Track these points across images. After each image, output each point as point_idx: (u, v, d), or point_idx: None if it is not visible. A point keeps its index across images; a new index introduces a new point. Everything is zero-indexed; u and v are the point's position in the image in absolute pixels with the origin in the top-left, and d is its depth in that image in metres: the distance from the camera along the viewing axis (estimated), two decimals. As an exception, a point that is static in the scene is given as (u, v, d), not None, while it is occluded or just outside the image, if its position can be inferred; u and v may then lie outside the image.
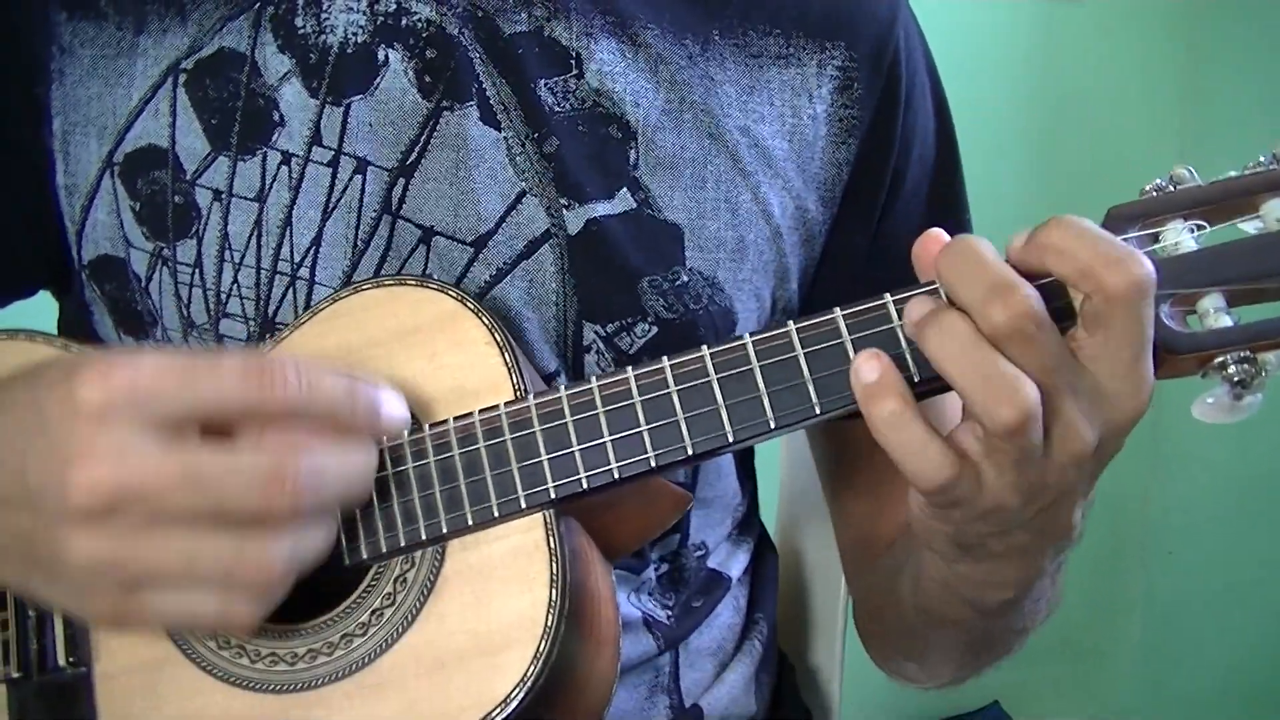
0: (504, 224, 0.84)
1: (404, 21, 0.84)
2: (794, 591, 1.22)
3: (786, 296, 0.92)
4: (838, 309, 0.69)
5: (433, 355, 0.76)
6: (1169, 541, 2.39)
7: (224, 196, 0.84)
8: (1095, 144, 2.20)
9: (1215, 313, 0.63)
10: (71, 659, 0.76)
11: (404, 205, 0.84)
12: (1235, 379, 0.63)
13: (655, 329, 0.86)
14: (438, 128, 0.84)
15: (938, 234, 0.66)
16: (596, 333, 0.85)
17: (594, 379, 0.72)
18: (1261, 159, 0.64)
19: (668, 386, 0.71)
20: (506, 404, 0.73)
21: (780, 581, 1.12)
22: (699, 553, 0.98)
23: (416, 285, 0.77)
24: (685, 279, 0.86)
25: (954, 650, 0.89)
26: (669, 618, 0.95)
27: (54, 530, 0.63)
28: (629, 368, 0.72)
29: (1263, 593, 2.28)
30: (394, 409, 0.70)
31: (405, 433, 0.73)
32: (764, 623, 1.05)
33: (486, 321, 0.75)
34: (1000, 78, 2.17)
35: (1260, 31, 2.12)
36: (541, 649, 0.69)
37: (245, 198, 0.84)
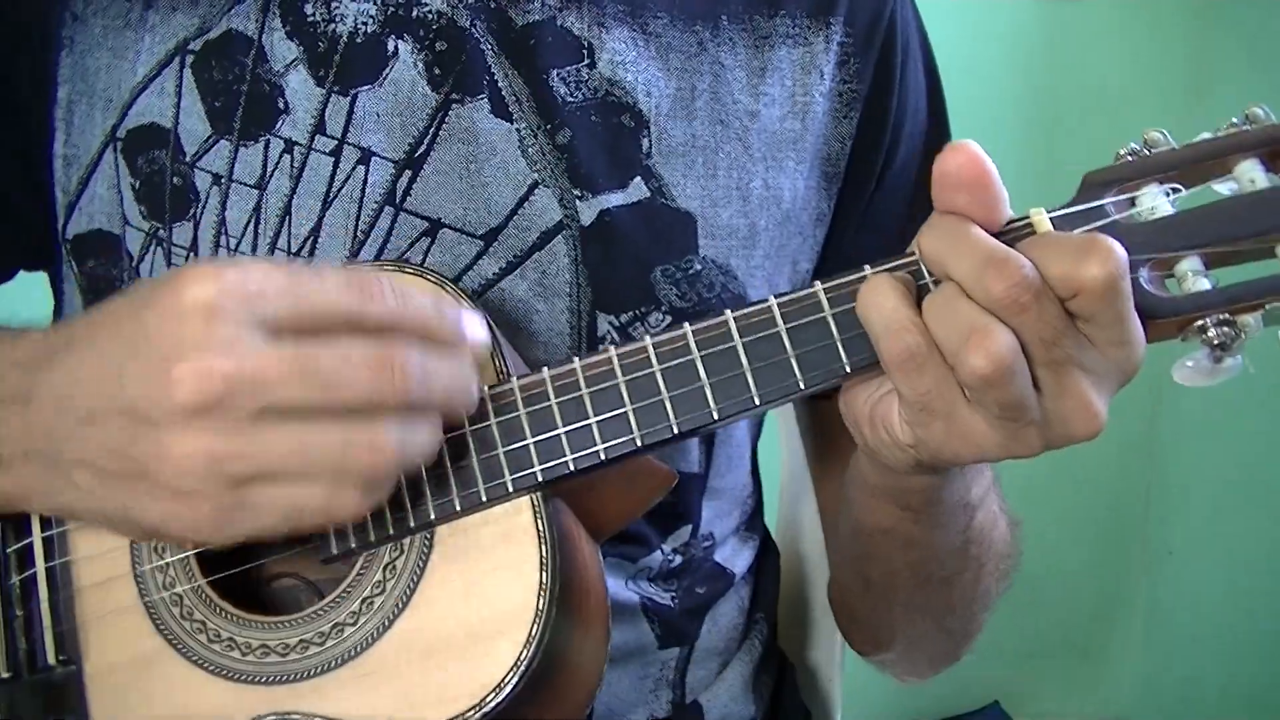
0: (515, 216, 0.84)
1: (415, 13, 0.84)
2: (794, 591, 1.22)
3: (799, 280, 0.92)
4: (818, 282, 0.69)
5: None
6: (1169, 541, 2.38)
7: (223, 181, 0.84)
8: (1096, 142, 2.19)
9: (1193, 276, 0.64)
10: (61, 657, 0.76)
11: (408, 198, 0.84)
12: (1215, 342, 0.63)
13: (669, 318, 0.86)
14: (446, 120, 0.84)
15: (964, 148, 0.65)
16: (610, 323, 0.85)
17: (577, 360, 0.72)
18: (1235, 120, 0.64)
19: (651, 365, 0.71)
20: (490, 387, 0.73)
21: (781, 581, 1.12)
22: (706, 544, 0.98)
23: (394, 270, 0.77)
24: (698, 267, 0.86)
25: (904, 589, 0.88)
26: (673, 599, 0.95)
27: (159, 433, 0.61)
28: (611, 347, 0.72)
29: (1263, 593, 2.27)
30: (477, 329, 0.69)
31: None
32: (764, 622, 1.05)
33: (466, 305, 0.75)
34: (1001, 76, 2.17)
35: (1262, 30, 2.13)
36: (534, 633, 0.69)
37: (245, 184, 0.84)
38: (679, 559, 0.96)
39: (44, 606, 0.77)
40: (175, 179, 0.84)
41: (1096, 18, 2.18)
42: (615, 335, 0.86)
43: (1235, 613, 2.31)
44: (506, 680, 0.68)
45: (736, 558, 1.02)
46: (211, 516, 0.63)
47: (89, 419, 0.64)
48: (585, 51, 0.85)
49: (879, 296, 0.65)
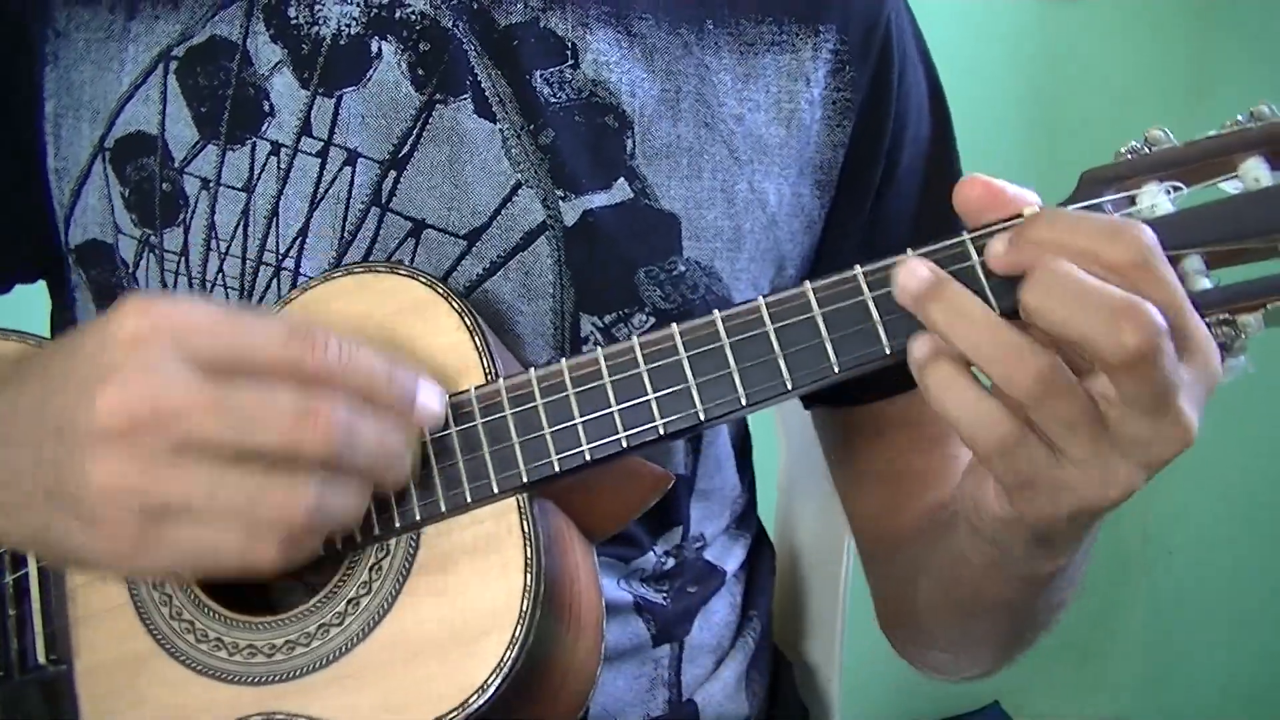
0: (498, 217, 0.84)
1: (398, 14, 0.84)
2: (792, 589, 1.22)
3: (785, 284, 0.90)
4: (807, 282, 0.68)
5: (402, 340, 0.75)
6: (1170, 541, 2.39)
7: (212, 185, 0.84)
8: (1098, 143, 2.19)
9: (1194, 275, 0.63)
10: (52, 657, 0.76)
11: (394, 198, 0.84)
12: (1216, 342, 0.62)
13: (653, 319, 0.85)
14: (430, 121, 0.83)
15: (978, 180, 0.65)
16: (594, 324, 0.85)
17: (563, 360, 0.71)
18: (1239, 117, 0.63)
19: (638, 366, 0.70)
20: (476, 388, 0.72)
21: (778, 579, 1.11)
22: (698, 544, 0.98)
23: (386, 272, 0.77)
24: (682, 269, 0.86)
25: (993, 638, 0.87)
26: (665, 599, 0.95)
27: (77, 454, 0.61)
28: (598, 348, 0.71)
29: (1263, 593, 2.27)
30: (430, 400, 0.68)
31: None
32: (757, 620, 1.05)
33: (456, 306, 0.75)
34: (1002, 77, 2.17)
35: (1263, 31, 2.13)
36: (518, 634, 0.68)
37: (233, 187, 0.84)
38: (671, 561, 0.95)
39: (36, 606, 0.78)
40: (165, 185, 0.85)
41: (1098, 18, 2.17)
42: (599, 336, 0.85)
43: (1235, 613, 2.31)
44: (490, 681, 0.68)
45: (727, 555, 1.02)
46: (124, 546, 0.63)
47: (20, 441, 0.65)
48: (569, 52, 0.85)
49: (959, 391, 0.62)
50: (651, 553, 0.94)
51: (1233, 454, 2.20)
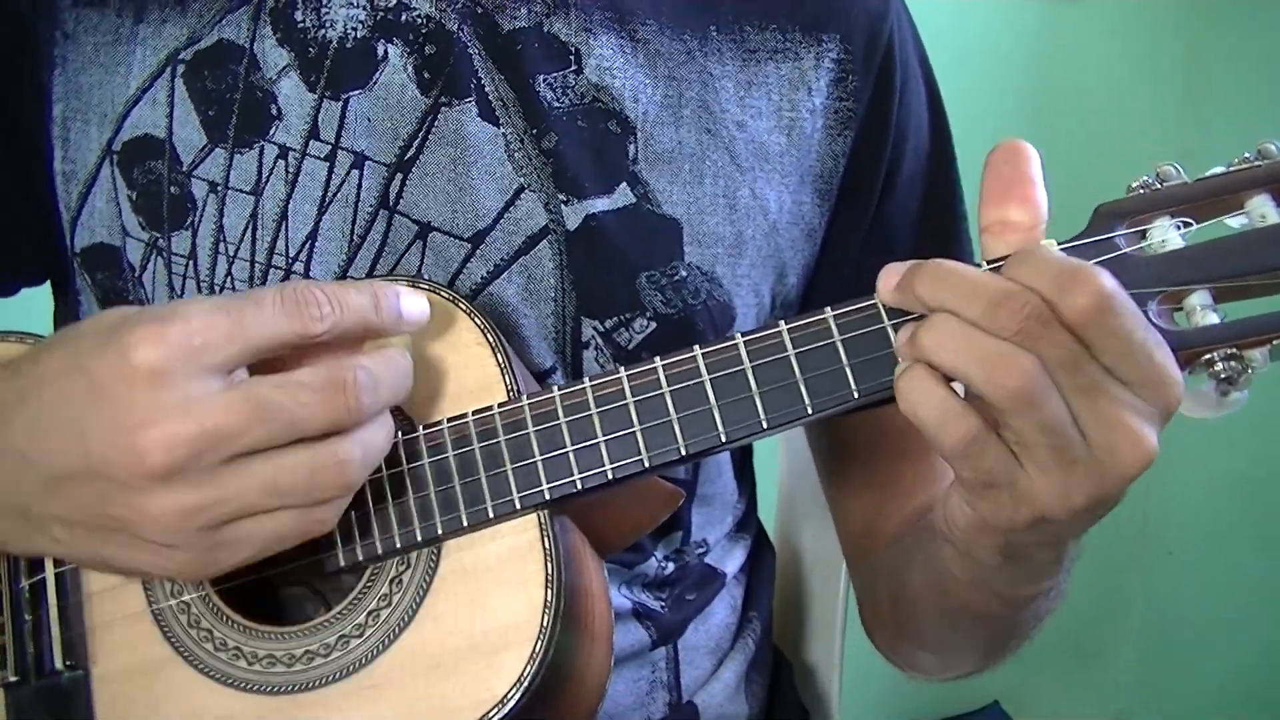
0: (502, 220, 0.84)
1: (404, 17, 0.84)
2: (792, 590, 1.22)
3: (785, 292, 0.92)
4: (829, 309, 0.69)
5: (424, 356, 0.76)
6: (1169, 542, 2.39)
7: (220, 189, 0.85)
8: (1094, 144, 2.20)
9: (1202, 310, 0.64)
10: (68, 662, 0.76)
11: (401, 200, 0.84)
12: (1222, 376, 0.63)
13: (654, 324, 0.86)
14: (436, 124, 0.84)
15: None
16: (595, 328, 0.86)
17: (587, 379, 0.72)
18: (1247, 155, 0.64)
19: (660, 387, 0.71)
20: (500, 405, 0.73)
21: (779, 580, 1.12)
22: (700, 550, 0.99)
23: (408, 286, 0.77)
24: (684, 274, 0.86)
25: (978, 644, 0.88)
26: (663, 607, 0.96)
27: (132, 496, 0.63)
28: (621, 368, 0.72)
29: (1263, 593, 2.27)
30: (413, 305, 0.71)
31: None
32: (758, 621, 1.06)
33: (479, 322, 0.76)
34: (998, 78, 2.17)
35: (1259, 32, 2.13)
36: (538, 649, 0.69)
37: (241, 190, 0.84)
38: (672, 565, 0.96)
39: (53, 612, 0.78)
40: (173, 188, 0.85)
41: (1096, 18, 2.17)
42: (600, 341, 0.86)
43: (1235, 613, 2.31)
44: (510, 695, 0.69)
45: (727, 558, 1.03)
46: (192, 561, 0.65)
47: (56, 481, 0.65)
48: (572, 57, 0.85)
49: (927, 391, 0.63)
50: (653, 558, 0.95)
51: (1232, 454, 2.21)
